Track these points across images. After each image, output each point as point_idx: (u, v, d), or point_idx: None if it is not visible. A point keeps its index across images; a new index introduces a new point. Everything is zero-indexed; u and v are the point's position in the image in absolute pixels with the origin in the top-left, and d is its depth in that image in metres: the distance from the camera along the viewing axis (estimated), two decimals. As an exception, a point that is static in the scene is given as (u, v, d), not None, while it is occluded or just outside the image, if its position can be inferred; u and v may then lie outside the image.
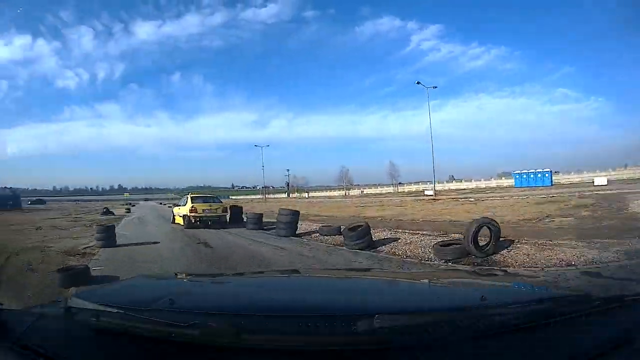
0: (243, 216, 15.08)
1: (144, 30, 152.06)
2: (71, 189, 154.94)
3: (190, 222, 13.22)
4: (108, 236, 9.07)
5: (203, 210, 13.50)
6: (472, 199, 23.63)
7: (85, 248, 8.85)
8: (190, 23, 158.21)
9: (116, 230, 13.59)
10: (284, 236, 10.69)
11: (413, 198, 33.26)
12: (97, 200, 68.40)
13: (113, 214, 25.62)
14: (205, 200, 14.32)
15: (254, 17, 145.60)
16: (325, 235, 10.47)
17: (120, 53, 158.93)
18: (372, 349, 0.84)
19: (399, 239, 8.76)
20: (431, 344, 0.86)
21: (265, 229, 12.69)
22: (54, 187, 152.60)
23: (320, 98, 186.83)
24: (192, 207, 13.45)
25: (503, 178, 52.07)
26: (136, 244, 9.54)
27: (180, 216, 14.27)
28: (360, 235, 8.21)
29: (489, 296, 1.21)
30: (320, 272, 2.67)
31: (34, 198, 66.56)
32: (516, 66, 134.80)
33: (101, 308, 1.03)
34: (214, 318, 0.94)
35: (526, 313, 0.99)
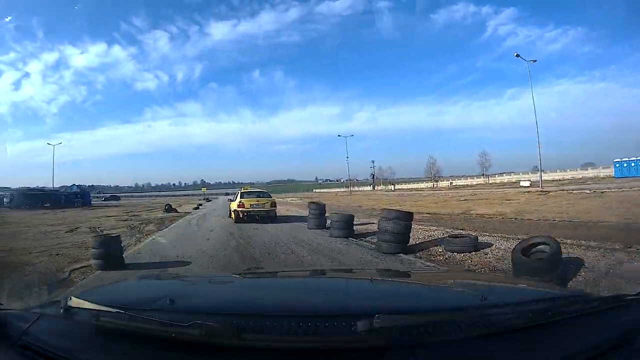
0: (326, 215, 11.17)
1: (220, 31, 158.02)
2: (153, 185, 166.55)
3: (239, 217, 13.00)
4: (108, 253, 5.63)
5: (251, 205, 13.19)
6: (588, 191, 18.81)
7: (77, 269, 5.59)
8: (266, 20, 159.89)
9: (155, 235, 10.66)
10: (389, 253, 6.43)
11: (514, 190, 27.54)
12: (175, 196, 70.82)
13: (176, 211, 22.88)
14: (254, 195, 14.18)
15: (328, 11, 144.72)
16: (455, 251, 6.27)
17: (198, 54, 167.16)
18: (372, 348, 0.83)
19: (583, 261, 4.81)
20: (431, 344, 0.84)
21: (357, 237, 8.66)
22: (136, 183, 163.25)
23: (401, 89, 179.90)
24: (240, 202, 13.24)
25: (601, 168, 45.72)
26: (154, 264, 6.04)
27: (232, 211, 14.21)
28: (547, 263, 4.30)
29: (489, 296, 1.19)
30: (320, 272, 2.39)
31: (108, 195, 70.27)
32: (593, 48, 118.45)
33: (101, 308, 1.00)
34: (214, 318, 0.90)
35: (526, 313, 0.96)
